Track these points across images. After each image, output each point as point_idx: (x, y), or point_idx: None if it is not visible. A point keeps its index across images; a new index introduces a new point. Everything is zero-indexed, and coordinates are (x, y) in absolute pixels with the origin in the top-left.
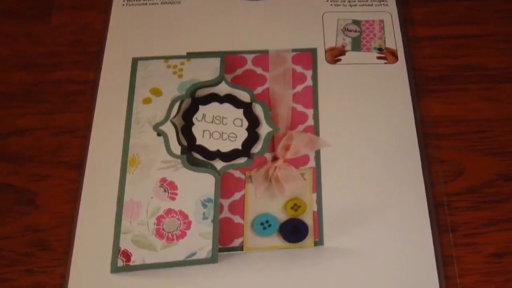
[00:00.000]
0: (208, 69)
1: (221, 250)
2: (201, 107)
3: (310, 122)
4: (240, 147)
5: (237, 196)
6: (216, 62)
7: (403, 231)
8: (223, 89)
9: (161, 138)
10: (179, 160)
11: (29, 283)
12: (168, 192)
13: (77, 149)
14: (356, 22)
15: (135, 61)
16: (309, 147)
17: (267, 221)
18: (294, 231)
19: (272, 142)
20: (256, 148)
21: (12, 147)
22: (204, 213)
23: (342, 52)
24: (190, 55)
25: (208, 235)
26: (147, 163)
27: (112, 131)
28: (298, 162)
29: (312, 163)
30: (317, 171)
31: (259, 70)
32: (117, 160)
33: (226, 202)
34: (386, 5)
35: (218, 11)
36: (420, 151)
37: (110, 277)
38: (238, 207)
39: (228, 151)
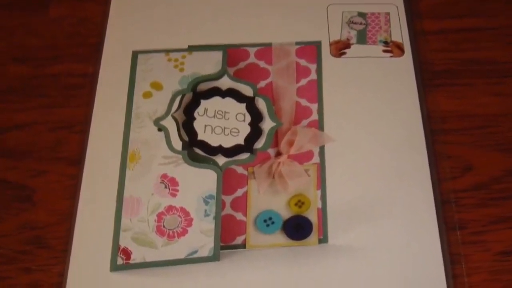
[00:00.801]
0: (210, 63)
1: (223, 248)
2: (202, 101)
3: (315, 116)
4: (242, 143)
5: (239, 192)
6: (218, 55)
7: (410, 229)
8: (225, 83)
9: (161, 133)
10: (180, 156)
11: (27, 281)
12: (169, 189)
13: (76, 145)
14: (361, 15)
15: (135, 54)
16: (313, 143)
17: (270, 218)
18: (298, 228)
19: (275, 137)
20: (259, 144)
21: (9, 142)
22: (205, 210)
23: (347, 45)
24: (192, 48)
25: (210, 232)
26: (147, 158)
27: (111, 126)
28: (302, 157)
29: (316, 158)
30: (321, 167)
31: (262, 64)
32: (117, 156)
33: (228, 199)
34: None
35: (221, 3)
36: (427, 146)
37: (110, 276)
38: (241, 204)
39: (231, 146)
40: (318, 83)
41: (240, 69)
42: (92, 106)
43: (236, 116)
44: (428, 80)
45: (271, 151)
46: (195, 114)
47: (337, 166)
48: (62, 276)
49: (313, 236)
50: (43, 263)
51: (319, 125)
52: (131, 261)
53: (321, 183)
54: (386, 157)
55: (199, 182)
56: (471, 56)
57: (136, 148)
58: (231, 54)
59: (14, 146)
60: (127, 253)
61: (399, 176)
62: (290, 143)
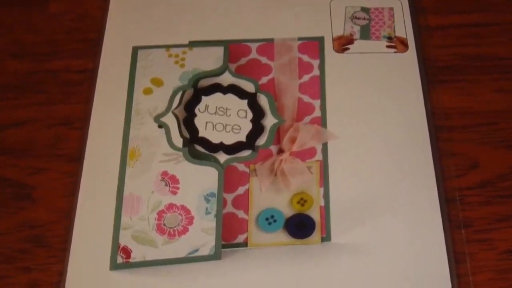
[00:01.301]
0: (211, 58)
1: (224, 246)
2: (203, 98)
3: (317, 113)
4: (244, 139)
5: (241, 190)
6: (219, 51)
7: (414, 227)
8: (226, 79)
9: (162, 130)
10: (180, 153)
11: (26, 280)
12: (170, 186)
13: (76, 142)
14: (364, 10)
15: (135, 50)
16: (316, 139)
17: (272, 216)
18: (300, 226)
19: (277, 134)
20: (261, 141)
21: (8, 139)
22: (206, 208)
23: (350, 40)
24: (193, 44)
25: (211, 230)
26: (147, 156)
27: (111, 122)
28: (305, 154)
29: (319, 156)
30: (324, 164)
31: (264, 59)
32: (117, 153)
33: (229, 197)
34: None
35: None
36: (431, 143)
37: (110, 274)
38: (242, 202)
39: (232, 143)
40: (321, 79)
41: (242, 65)
42: (91, 103)
43: (237, 113)
44: (432, 76)
45: (273, 148)
46: (196, 111)
47: (340, 163)
48: (61, 275)
49: (316, 235)
50: (42, 262)
51: (322, 121)
52: (131, 260)
53: (324, 180)
54: (390, 154)
55: (200, 179)
56: (475, 52)
57: (136, 145)
58: (233, 49)
59: (13, 143)
60: (127, 252)
61: (403, 173)
62: (292, 140)
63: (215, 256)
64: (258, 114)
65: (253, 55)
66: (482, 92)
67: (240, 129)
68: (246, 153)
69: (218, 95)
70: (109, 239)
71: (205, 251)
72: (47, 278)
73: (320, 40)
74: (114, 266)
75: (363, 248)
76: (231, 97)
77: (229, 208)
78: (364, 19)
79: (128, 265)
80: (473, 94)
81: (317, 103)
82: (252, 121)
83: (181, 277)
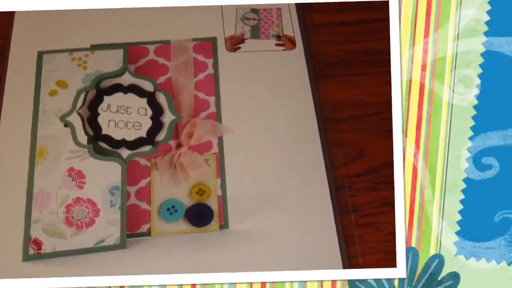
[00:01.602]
0: (112, 60)
1: (129, 236)
2: (106, 97)
3: (212, 109)
4: (145, 135)
5: (143, 183)
6: (119, 53)
7: (305, 213)
8: (126, 79)
9: (68, 129)
10: (86, 150)
11: None
12: (76, 181)
13: None
14: (254, 11)
15: (40, 55)
16: (212, 134)
17: (173, 207)
18: (199, 215)
19: (176, 130)
20: (161, 136)
21: None
22: (111, 201)
23: (241, 40)
24: (94, 47)
25: (116, 222)
26: (55, 153)
27: (19, 123)
28: (202, 148)
29: (215, 149)
30: (220, 156)
31: (161, 60)
32: (26, 152)
33: (132, 189)
34: None
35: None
36: (320, 135)
37: (23, 265)
38: (145, 194)
39: (133, 139)
40: (215, 77)
41: (141, 66)
42: (0, 106)
43: (138, 111)
44: (319, 72)
45: (172, 143)
46: (99, 110)
47: (235, 155)
48: None
49: (214, 223)
50: None
51: (217, 117)
52: (42, 251)
53: (221, 172)
54: (281, 147)
55: (105, 174)
56: (362, 48)
57: (44, 144)
58: (132, 51)
59: None
60: (38, 244)
61: (294, 164)
62: (190, 135)
63: (121, 245)
64: (157, 111)
65: (151, 56)
66: (370, 85)
67: (141, 126)
68: (147, 148)
69: (119, 95)
70: (21, 232)
71: (111, 241)
72: None
73: (213, 40)
74: (27, 257)
75: (258, 234)
76: (131, 96)
77: (132, 200)
78: (254, 19)
79: (39, 256)
80: (362, 87)
81: (212, 99)
82: (151, 118)
83: (89, 266)
